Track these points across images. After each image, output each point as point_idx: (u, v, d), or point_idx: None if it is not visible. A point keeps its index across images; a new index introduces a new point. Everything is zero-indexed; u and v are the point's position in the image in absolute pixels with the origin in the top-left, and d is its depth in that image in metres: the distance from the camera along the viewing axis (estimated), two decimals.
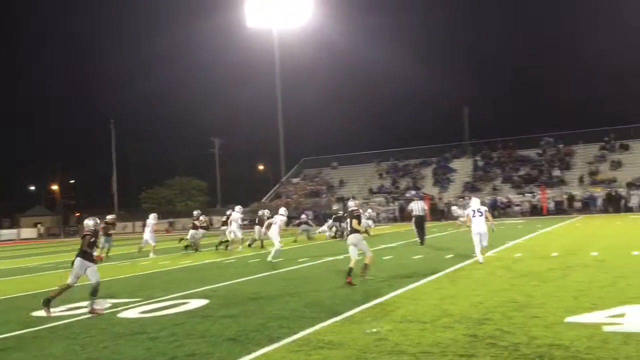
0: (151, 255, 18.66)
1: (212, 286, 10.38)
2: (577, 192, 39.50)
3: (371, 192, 50.25)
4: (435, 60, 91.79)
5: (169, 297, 9.32)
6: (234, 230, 19.58)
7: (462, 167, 51.14)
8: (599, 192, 38.30)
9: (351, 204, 10.84)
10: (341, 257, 14.71)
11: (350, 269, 9.61)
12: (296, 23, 56.71)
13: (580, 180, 42.31)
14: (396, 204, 44.62)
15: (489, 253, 13.32)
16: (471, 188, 45.22)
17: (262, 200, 55.98)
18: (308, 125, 79.48)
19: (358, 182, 55.05)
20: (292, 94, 69.51)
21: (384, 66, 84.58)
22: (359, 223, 10.27)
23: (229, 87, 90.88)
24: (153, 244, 19.08)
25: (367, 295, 8.30)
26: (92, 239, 8.63)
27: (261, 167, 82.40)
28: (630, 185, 38.09)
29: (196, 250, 19.75)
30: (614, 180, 40.71)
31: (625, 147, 45.56)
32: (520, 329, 5.73)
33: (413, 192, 44.84)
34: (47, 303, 8.16)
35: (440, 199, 43.56)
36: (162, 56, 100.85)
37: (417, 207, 17.32)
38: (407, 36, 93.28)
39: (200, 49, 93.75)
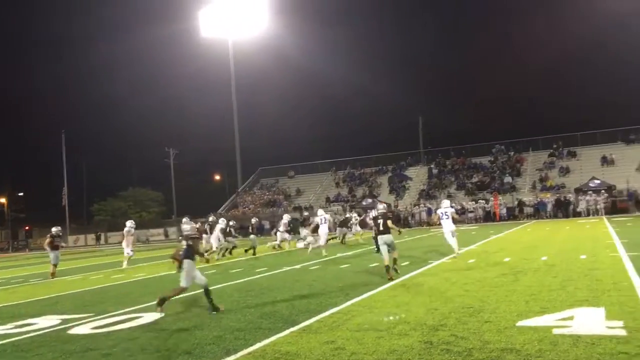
0: (124, 265, 18.44)
1: None
2: (528, 198, 40.64)
3: (328, 200, 50.41)
4: (390, 70, 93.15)
5: (122, 311, 9.10)
6: (213, 239, 19.83)
7: (418, 175, 51.95)
8: (549, 198, 39.51)
9: (380, 207, 12.15)
10: (298, 266, 14.72)
11: (387, 267, 10.83)
12: (252, 33, 56.67)
13: (533, 186, 43.55)
14: (353, 212, 44.83)
15: (445, 259, 13.56)
16: (426, 195, 45.95)
17: (219, 211, 55.47)
18: (265, 134, 79.26)
19: (315, 191, 55.19)
20: (248, 104, 69.41)
21: (340, 76, 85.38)
22: (392, 223, 11.48)
23: (185, 97, 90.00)
24: (130, 254, 18.74)
25: (323, 304, 8.30)
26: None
27: (217, 177, 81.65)
28: (578, 190, 39.43)
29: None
30: (563, 186, 42.11)
31: (572, 154, 47.22)
32: (474, 334, 5.83)
33: (370, 200, 45.28)
34: (161, 303, 8.55)
35: (396, 206, 44.05)
36: (114, 65, 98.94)
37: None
38: (363, 46, 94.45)
39: (155, 58, 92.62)
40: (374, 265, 13.55)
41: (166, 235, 52.24)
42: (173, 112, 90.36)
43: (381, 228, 11.28)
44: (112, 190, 67.26)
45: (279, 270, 13.99)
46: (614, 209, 36.59)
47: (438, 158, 53.11)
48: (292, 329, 6.73)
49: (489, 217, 39.41)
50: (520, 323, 6.19)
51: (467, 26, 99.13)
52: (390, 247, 11.17)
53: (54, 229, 17.82)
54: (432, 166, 51.81)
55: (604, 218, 31.71)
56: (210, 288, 8.81)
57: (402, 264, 13.20)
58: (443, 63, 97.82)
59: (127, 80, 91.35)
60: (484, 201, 41.06)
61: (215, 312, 8.23)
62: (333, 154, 62.66)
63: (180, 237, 19.62)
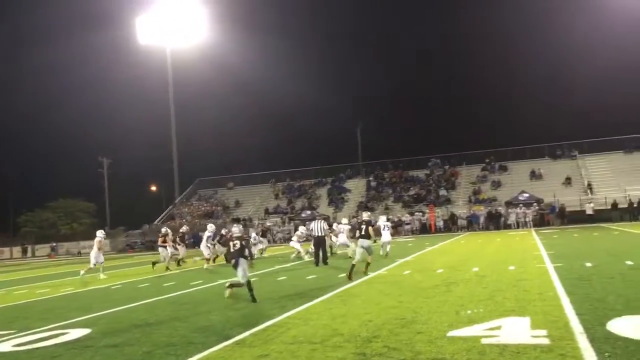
0: (102, 276, 17.87)
1: (96, 314, 9.82)
2: (462, 211, 41.86)
3: (267, 212, 50.22)
4: (330, 83, 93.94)
5: (46, 327, 8.69)
6: (204, 248, 19.86)
7: (356, 187, 52.58)
8: (481, 211, 40.82)
9: (364, 215, 13.78)
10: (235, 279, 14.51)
11: (353, 266, 12.24)
12: (190, 41, 56.01)
13: (469, 200, 44.88)
14: (292, 224, 44.87)
15: (381, 271, 13.72)
16: (365, 208, 46.51)
17: (155, 222, 54.19)
18: (203, 145, 78.04)
19: (254, 202, 54.87)
20: (187, 113, 68.17)
21: (280, 86, 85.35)
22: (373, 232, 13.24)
23: (121, 105, 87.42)
24: (101, 262, 18.28)
25: (259, 317, 8.21)
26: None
27: (154, 188, 79.76)
28: (509, 203, 40.94)
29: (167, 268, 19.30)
30: (495, 199, 43.63)
31: (504, 168, 49.09)
32: (406, 345, 5.91)
33: (309, 212, 45.41)
34: (231, 286, 10.36)
35: (334, 218, 44.33)
36: (46, 71, 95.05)
37: (317, 227, 17.11)
38: (303, 57, 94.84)
39: (89, 65, 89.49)
40: (311, 277, 13.55)
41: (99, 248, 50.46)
42: (108, 121, 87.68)
43: (363, 233, 12.85)
44: (40, 201, 64.44)
45: (214, 283, 13.76)
46: (541, 221, 38.20)
47: (376, 171, 53.96)
48: (225, 343, 6.61)
49: (424, 229, 40.29)
50: (450, 333, 6.32)
51: (405, 40, 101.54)
52: (368, 250, 12.84)
53: None
54: (370, 179, 52.56)
55: (532, 230, 33.03)
56: (142, 302, 8.56)
57: (339, 276, 13.28)
58: (381, 76, 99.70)
59: (59, 86, 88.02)
60: (420, 213, 41.96)
61: (255, 302, 9.63)
62: (272, 165, 62.47)
63: (219, 240, 20.31)
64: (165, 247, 19.90)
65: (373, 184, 51.48)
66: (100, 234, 18.88)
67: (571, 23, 75.68)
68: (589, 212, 37.63)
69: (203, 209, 54.70)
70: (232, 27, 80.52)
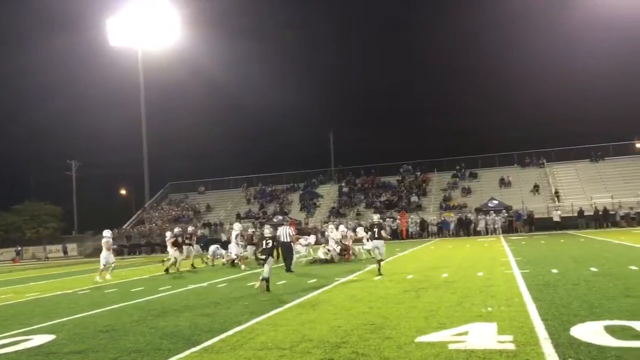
0: (108, 277, 17.43)
1: (61, 320, 9.62)
2: (433, 217, 42.26)
3: (239, 217, 49.90)
4: (303, 88, 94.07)
5: (9, 333, 8.48)
6: (233, 247, 19.70)
7: (328, 193, 52.66)
8: (452, 217, 41.27)
9: (375, 218, 15.66)
10: (205, 284, 14.39)
11: (379, 262, 13.94)
12: (162, 44, 55.48)
13: (440, 206, 45.32)
14: (269, 230, 44.60)
15: (351, 276, 13.76)
16: (337, 213, 46.60)
17: (124, 227, 53.43)
18: (175, 149, 77.18)
19: (226, 207, 54.52)
20: (158, 116, 67.50)
21: (253, 91, 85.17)
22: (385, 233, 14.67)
23: (90, 108, 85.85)
24: (112, 262, 17.79)
25: (227, 323, 8.15)
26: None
27: (123, 192, 78.60)
28: (478, 210, 41.47)
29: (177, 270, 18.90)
30: (465, 206, 44.16)
31: (474, 176, 49.76)
32: (374, 351, 5.93)
33: (280, 217, 45.25)
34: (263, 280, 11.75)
35: (307, 224, 44.34)
36: (14, 72, 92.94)
37: (283, 232, 16.91)
38: (276, 62, 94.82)
39: (59, 66, 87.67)
40: (282, 282, 13.50)
41: (65, 252, 49.41)
42: (77, 123, 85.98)
43: (376, 235, 14.25)
44: (5, 204, 62.84)
45: (183, 289, 13.61)
46: (510, 228, 38.80)
47: (349, 176, 54.13)
48: (192, 350, 6.54)
49: (396, 234, 40.51)
50: (419, 339, 6.36)
51: (379, 47, 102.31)
52: (380, 250, 14.11)
53: None
54: (342, 184, 52.71)
55: (501, 237, 33.52)
56: (109, 308, 8.42)
57: (309, 281, 13.28)
58: (354, 83, 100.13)
59: (28, 88, 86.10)
60: (391, 219, 42.20)
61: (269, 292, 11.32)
62: (244, 170, 62.18)
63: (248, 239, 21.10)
64: (180, 246, 19.61)
65: (345, 189, 51.63)
66: (106, 233, 18.30)
67: (541, 35, 77.36)
68: (556, 219, 38.37)
69: (174, 213, 54.11)
70: (205, 30, 80.00)
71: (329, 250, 19.21)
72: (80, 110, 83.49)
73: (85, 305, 11.43)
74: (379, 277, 13.14)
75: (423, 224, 40.73)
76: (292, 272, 16.03)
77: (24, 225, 58.88)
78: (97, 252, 47.52)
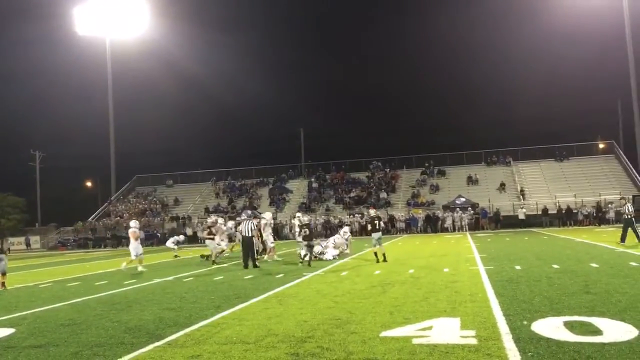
0: (140, 268, 16.97)
1: (21, 313, 9.41)
2: (401, 213, 42.60)
3: (207, 211, 49.52)
4: (275, 83, 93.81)
5: None
6: (268, 237, 19.02)
7: (298, 188, 52.65)
8: (420, 214, 41.67)
9: (372, 212, 18.22)
10: (171, 278, 14.24)
11: (376, 254, 15.87)
12: (131, 34, 54.59)
13: (408, 203, 45.70)
14: (231, 223, 44.36)
15: (318, 272, 13.78)
16: (306, 208, 46.61)
17: (89, 219, 52.52)
18: (142, 141, 76.18)
19: (194, 200, 54.04)
20: (126, 108, 66.45)
21: (224, 84, 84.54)
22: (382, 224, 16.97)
23: (56, 98, 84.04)
24: (140, 254, 17.29)
25: (193, 317, 8.08)
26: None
27: (89, 184, 77.21)
28: (446, 207, 41.98)
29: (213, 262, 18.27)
30: (433, 203, 44.68)
31: (442, 173, 50.35)
32: (339, 345, 5.95)
33: (249, 211, 45.02)
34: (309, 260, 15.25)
35: (275, 218, 44.19)
36: None
37: (246, 227, 16.40)
38: (248, 56, 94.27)
39: (24, 55, 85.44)
40: (248, 277, 13.45)
41: (28, 244, 48.30)
42: (42, 113, 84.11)
43: (377, 227, 16.07)
44: None
45: (148, 283, 13.45)
46: (476, 225, 39.39)
47: (319, 172, 54.19)
48: (156, 344, 6.47)
49: (364, 230, 40.69)
50: (383, 334, 6.41)
51: (351, 44, 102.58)
52: (379, 242, 15.92)
53: None
54: (312, 180, 52.73)
55: (467, 234, 33.99)
56: (71, 301, 8.24)
57: (277, 276, 13.26)
58: (326, 79, 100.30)
59: None
60: (360, 215, 42.40)
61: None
62: (214, 163, 61.72)
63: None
64: (212, 238, 19.06)
65: (315, 185, 51.68)
66: (133, 224, 17.85)
67: (510, 38, 78.59)
68: (521, 217, 39.11)
69: (141, 206, 53.40)
70: (175, 21, 79.20)
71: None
72: (46, 100, 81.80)
73: (46, 299, 11.20)
74: (384, 262, 15.46)
75: (392, 220, 41.00)
76: (257, 267, 15.88)
77: None
78: (59, 245, 46.60)
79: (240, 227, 17.26)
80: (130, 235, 17.64)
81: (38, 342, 6.98)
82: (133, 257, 17.28)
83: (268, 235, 19.04)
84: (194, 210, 50.89)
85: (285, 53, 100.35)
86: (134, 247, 17.34)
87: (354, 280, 11.72)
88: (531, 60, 79.93)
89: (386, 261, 15.49)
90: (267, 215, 19.96)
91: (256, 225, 17.39)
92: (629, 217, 18.23)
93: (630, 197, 19.91)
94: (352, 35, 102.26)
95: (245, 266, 15.91)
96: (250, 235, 16.24)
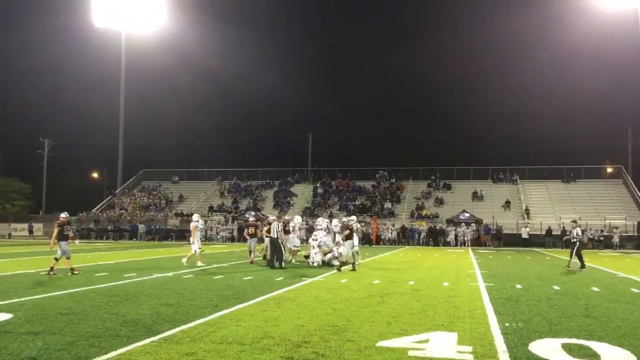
0: (199, 263, 16.78)
1: (20, 299, 9.44)
2: (404, 224, 42.50)
3: (211, 209, 49.60)
4: (288, 84, 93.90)
5: None
6: (294, 239, 18.95)
7: (303, 192, 52.63)
8: (423, 226, 41.58)
9: (353, 218, 18.24)
10: (170, 274, 14.26)
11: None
12: (148, 28, 54.85)
13: (412, 214, 45.62)
14: (235, 223, 44.47)
15: (318, 277, 13.76)
16: (310, 213, 46.58)
17: (93, 210, 52.68)
18: (152, 135, 76.27)
19: (199, 198, 54.10)
20: (138, 102, 66.60)
21: (238, 81, 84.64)
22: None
23: (70, 88, 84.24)
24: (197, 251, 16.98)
25: (190, 315, 8.09)
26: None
27: (96, 175, 77.48)
28: (450, 221, 41.87)
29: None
30: (437, 216, 44.55)
31: (448, 187, 50.23)
32: (335, 352, 5.93)
33: (253, 213, 45.04)
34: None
35: (306, 222, 44.21)
36: None
37: (274, 229, 16.74)
38: (264, 55, 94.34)
39: (41, 46, 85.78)
40: (248, 278, 13.45)
41: (31, 232, 48.41)
42: (54, 103, 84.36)
43: (351, 236, 16.13)
44: None
45: (148, 277, 13.47)
46: (479, 241, 39.25)
47: (324, 178, 54.19)
48: (152, 339, 6.47)
49: (367, 239, 40.61)
50: (379, 344, 6.39)
51: (365, 53, 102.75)
52: (355, 251, 16.39)
53: None
54: (317, 185, 52.73)
55: (470, 249, 33.87)
56: (71, 291, 8.27)
57: (276, 279, 13.24)
58: (339, 83, 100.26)
59: (9, 67, 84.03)
60: (363, 224, 42.29)
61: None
62: (221, 163, 61.72)
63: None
64: (255, 236, 18.64)
65: (320, 190, 51.65)
66: (196, 217, 17.59)
67: (527, 57, 78.55)
68: (525, 236, 38.91)
69: (145, 200, 53.51)
70: (193, 15, 79.69)
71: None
72: (60, 90, 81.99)
73: (46, 287, 11.24)
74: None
75: (404, 231, 40.83)
76: (284, 267, 16.30)
77: None
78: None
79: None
80: (191, 229, 17.29)
81: (34, 329, 6.99)
82: (196, 251, 16.98)
83: (294, 238, 19.12)
84: (198, 208, 50.92)
85: (300, 54, 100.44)
86: (197, 241, 17.02)
87: (353, 289, 11.70)
88: (547, 79, 79.92)
89: (355, 270, 15.68)
90: (297, 219, 20.16)
91: (282, 227, 17.45)
92: (575, 240, 17.96)
93: (578, 222, 19.55)
94: (367, 44, 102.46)
95: (272, 266, 16.14)
96: (276, 236, 16.59)
